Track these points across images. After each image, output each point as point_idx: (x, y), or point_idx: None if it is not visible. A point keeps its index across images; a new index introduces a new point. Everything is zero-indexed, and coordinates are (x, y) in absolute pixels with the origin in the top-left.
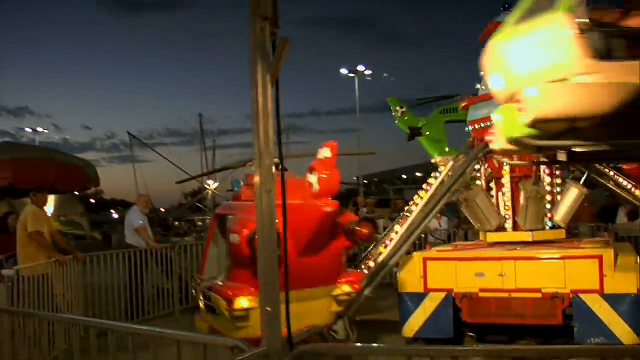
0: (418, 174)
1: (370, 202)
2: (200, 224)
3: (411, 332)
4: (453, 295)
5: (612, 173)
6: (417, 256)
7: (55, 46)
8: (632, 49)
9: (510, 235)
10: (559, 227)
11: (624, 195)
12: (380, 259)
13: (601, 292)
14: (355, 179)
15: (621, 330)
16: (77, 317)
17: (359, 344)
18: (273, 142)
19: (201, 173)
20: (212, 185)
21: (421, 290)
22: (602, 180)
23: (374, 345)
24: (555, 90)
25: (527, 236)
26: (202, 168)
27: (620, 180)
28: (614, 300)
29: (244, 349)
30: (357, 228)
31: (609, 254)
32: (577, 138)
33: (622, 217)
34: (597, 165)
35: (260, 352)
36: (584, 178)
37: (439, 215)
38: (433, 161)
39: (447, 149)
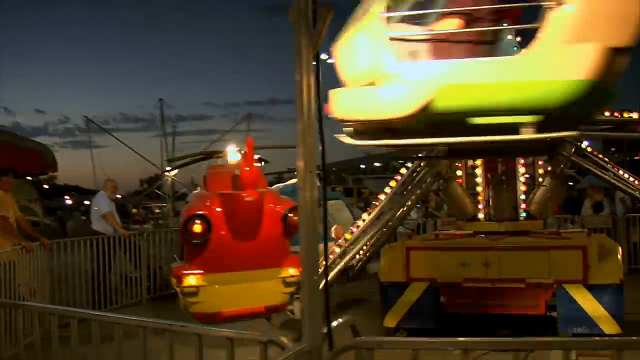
0: (376, 164)
1: (339, 191)
2: (157, 211)
3: (393, 321)
4: (436, 284)
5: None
6: (400, 245)
7: (6, 29)
8: (434, 52)
9: (484, 225)
10: (535, 218)
11: (623, 187)
12: (344, 245)
13: (584, 282)
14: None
15: (604, 319)
16: (68, 308)
17: (405, 338)
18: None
19: (192, 154)
20: (171, 171)
21: (403, 279)
22: (600, 172)
23: (422, 339)
24: (347, 94)
25: (498, 226)
26: (161, 154)
27: (621, 172)
28: (597, 290)
29: (280, 344)
30: (290, 215)
31: (593, 245)
32: (395, 137)
33: (587, 209)
34: (594, 158)
35: (302, 349)
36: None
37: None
38: None
39: None
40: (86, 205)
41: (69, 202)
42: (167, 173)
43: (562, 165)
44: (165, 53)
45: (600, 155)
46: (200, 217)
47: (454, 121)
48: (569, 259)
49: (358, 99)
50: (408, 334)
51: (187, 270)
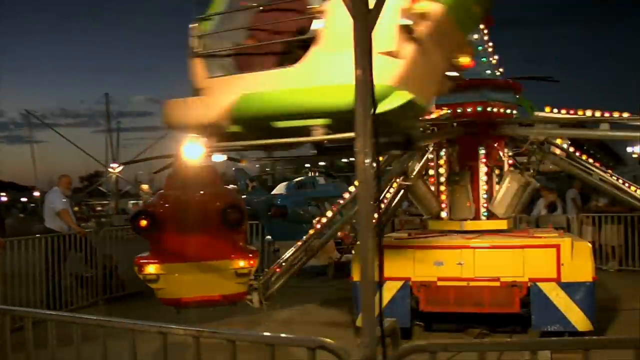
0: (320, 163)
1: None
2: (99, 208)
3: None
4: (410, 283)
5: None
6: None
7: None
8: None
9: (446, 224)
10: (498, 217)
11: (610, 189)
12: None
13: (558, 281)
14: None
15: (576, 317)
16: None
17: (471, 340)
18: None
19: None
20: (115, 168)
21: (376, 278)
22: (585, 175)
23: (488, 340)
24: (173, 104)
25: (459, 225)
26: (106, 150)
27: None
28: (570, 288)
29: (333, 350)
30: (228, 211)
31: (566, 244)
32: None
33: (541, 209)
34: (578, 160)
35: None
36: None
37: None
38: None
39: None
40: (23, 202)
41: (4, 198)
42: (111, 170)
43: (529, 167)
44: (107, 48)
45: (584, 157)
46: (145, 213)
47: (260, 125)
48: (543, 257)
49: (180, 109)
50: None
51: (146, 259)
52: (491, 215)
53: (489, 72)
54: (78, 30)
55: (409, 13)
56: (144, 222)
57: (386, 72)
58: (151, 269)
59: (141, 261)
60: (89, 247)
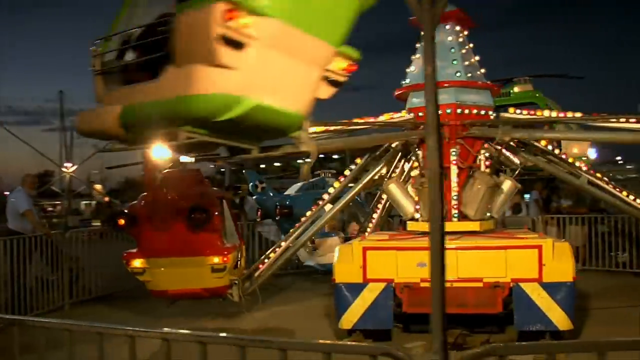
0: (276, 164)
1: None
2: (50, 209)
3: (349, 323)
4: (393, 285)
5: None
6: (357, 245)
7: None
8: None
9: (418, 225)
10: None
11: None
12: (287, 241)
13: (540, 281)
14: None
15: (557, 316)
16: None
17: (537, 342)
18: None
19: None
20: (69, 167)
21: (360, 280)
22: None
23: (556, 342)
24: (82, 114)
25: (426, 226)
26: (60, 149)
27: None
28: (551, 288)
29: (401, 358)
30: (194, 211)
31: (547, 244)
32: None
33: (505, 210)
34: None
35: None
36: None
37: None
38: None
39: None
40: None
41: None
42: (65, 170)
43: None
44: (59, 44)
45: (571, 160)
46: (123, 213)
47: (147, 131)
48: (525, 258)
49: (88, 119)
50: (364, 335)
51: (133, 254)
52: (463, 217)
53: (459, 74)
54: (26, 24)
55: (227, 25)
56: (121, 221)
57: (220, 82)
58: (137, 262)
59: (128, 255)
60: (54, 249)
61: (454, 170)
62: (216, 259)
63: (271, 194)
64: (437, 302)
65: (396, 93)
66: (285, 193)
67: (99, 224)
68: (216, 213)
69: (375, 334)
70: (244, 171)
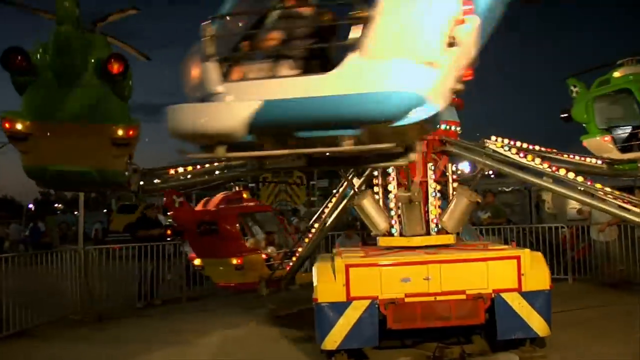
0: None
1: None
2: None
3: (334, 343)
4: (377, 302)
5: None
6: (340, 263)
7: None
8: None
9: (397, 240)
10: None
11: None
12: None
13: (519, 290)
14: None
15: (537, 323)
16: None
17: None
18: None
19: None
20: None
21: (343, 299)
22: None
23: None
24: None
25: (407, 241)
26: None
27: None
28: (530, 297)
29: None
30: (201, 226)
31: (526, 255)
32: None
33: None
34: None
35: None
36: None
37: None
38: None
39: (591, 131)
40: None
41: None
42: None
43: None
44: None
45: (530, 157)
46: (170, 226)
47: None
48: (506, 269)
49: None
50: (348, 355)
51: (193, 256)
52: (440, 231)
53: None
54: None
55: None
56: (169, 232)
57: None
58: (196, 261)
59: (191, 256)
60: None
61: (432, 185)
62: (235, 260)
63: None
64: None
65: None
66: None
67: None
68: (228, 225)
69: (361, 354)
70: None
